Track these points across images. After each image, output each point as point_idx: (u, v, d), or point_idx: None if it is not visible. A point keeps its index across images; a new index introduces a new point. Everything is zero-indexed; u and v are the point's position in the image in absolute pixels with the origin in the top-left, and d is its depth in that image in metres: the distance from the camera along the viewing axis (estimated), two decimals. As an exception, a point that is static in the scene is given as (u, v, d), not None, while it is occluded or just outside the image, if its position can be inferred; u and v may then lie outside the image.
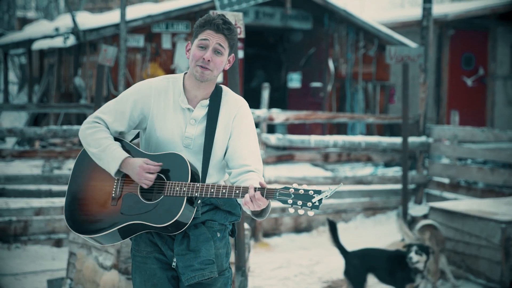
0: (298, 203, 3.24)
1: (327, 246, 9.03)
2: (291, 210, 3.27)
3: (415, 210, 10.24)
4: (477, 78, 17.85)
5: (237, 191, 3.35)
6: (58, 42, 14.40)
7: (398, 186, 10.95)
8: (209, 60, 3.49)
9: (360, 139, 10.74)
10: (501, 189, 10.30)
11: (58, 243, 8.92)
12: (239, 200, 3.53)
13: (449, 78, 17.53)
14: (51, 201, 9.66)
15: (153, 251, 3.57)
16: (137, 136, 3.80)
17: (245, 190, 3.33)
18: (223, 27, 3.51)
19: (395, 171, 12.76)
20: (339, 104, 15.65)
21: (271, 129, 15.29)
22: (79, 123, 13.66)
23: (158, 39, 14.10)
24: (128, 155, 3.49)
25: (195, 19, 14.24)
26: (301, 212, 3.24)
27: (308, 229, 10.23)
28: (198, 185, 3.41)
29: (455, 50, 17.54)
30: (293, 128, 15.10)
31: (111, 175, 3.51)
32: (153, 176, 3.43)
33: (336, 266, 7.98)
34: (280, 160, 10.61)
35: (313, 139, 10.36)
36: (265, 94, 10.87)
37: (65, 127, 9.32)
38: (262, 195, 3.29)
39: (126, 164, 3.47)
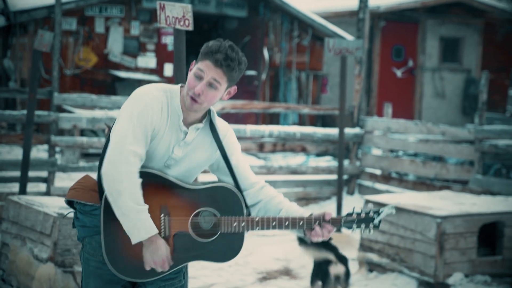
0: (361, 226, 3.41)
1: (260, 236, 9.05)
2: (353, 231, 3.44)
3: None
4: (406, 69, 18.15)
5: (301, 223, 3.36)
6: (-14, 23, 14.01)
7: (331, 177, 11.03)
8: (199, 94, 3.30)
9: (295, 129, 10.77)
10: (432, 182, 10.48)
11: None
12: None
13: (380, 69, 17.77)
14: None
15: None
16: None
17: (309, 221, 3.36)
18: (223, 63, 3.28)
19: (326, 161, 12.86)
20: (273, 92, 15.68)
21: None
22: (8, 107, 13.34)
23: (91, 22, 13.85)
24: (158, 231, 3.25)
25: (130, 4, 14.04)
26: (362, 232, 3.45)
27: (241, 218, 10.22)
28: (257, 219, 3.33)
29: (386, 41, 17.78)
30: (226, 117, 15.03)
31: (155, 215, 3.28)
32: (159, 270, 3.29)
33: (270, 257, 7.99)
34: (215, 149, 10.55)
35: (249, 128, 10.34)
36: (202, 83, 10.79)
37: (-5, 112, 9.10)
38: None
39: (153, 241, 3.23)
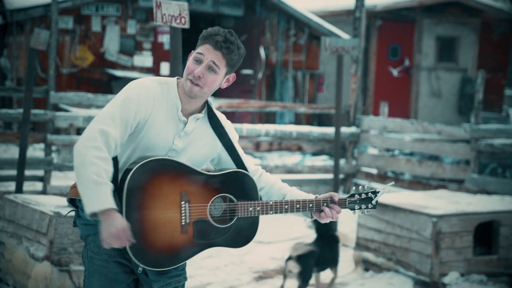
0: (362, 207, 3.54)
1: (256, 237, 9.05)
2: (354, 213, 3.58)
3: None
4: (403, 69, 18.16)
5: (311, 205, 3.46)
6: (-17, 21, 14.00)
7: (327, 176, 11.04)
8: (199, 76, 3.29)
9: (291, 128, 10.78)
10: (428, 181, 10.49)
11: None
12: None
13: (376, 68, 17.78)
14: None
15: (116, 255, 3.35)
16: None
17: (318, 202, 3.46)
18: (222, 45, 3.28)
19: (322, 160, 12.87)
20: (269, 91, 15.68)
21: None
22: (4, 106, 13.34)
23: (88, 21, 13.84)
24: (116, 208, 3.16)
25: (126, 2, 14.03)
26: (360, 212, 3.55)
27: (238, 217, 10.21)
28: (271, 203, 3.41)
29: (382, 40, 17.79)
30: (223, 115, 15.06)
31: (175, 202, 3.27)
32: (117, 245, 3.18)
33: (266, 256, 7.99)
34: (211, 148, 10.56)
35: (245, 127, 10.34)
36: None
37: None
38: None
39: (109, 215, 3.12)
